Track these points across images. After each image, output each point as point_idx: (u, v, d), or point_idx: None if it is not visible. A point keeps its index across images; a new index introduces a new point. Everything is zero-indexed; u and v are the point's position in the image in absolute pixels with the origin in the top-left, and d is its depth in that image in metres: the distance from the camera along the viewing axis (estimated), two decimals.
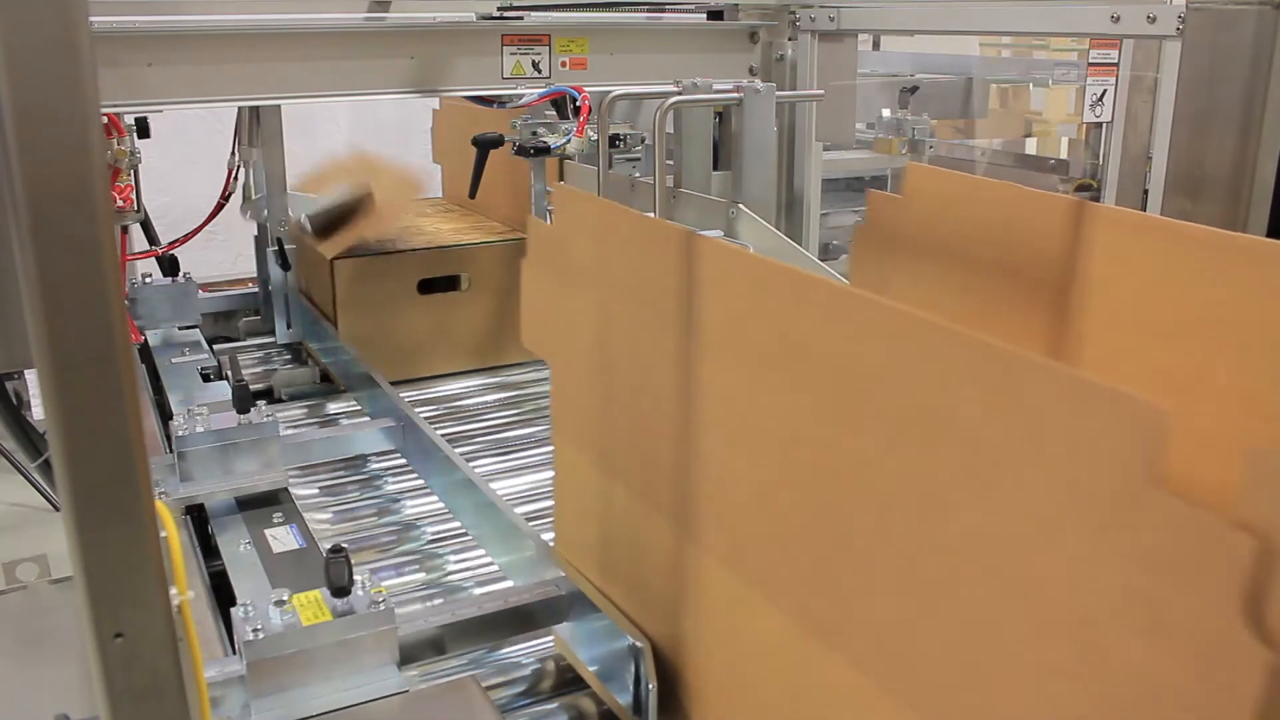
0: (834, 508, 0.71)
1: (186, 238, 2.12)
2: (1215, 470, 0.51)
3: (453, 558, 1.43)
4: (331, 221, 1.92)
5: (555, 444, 1.14)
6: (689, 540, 0.90)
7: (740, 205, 1.63)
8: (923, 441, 0.63)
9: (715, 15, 1.96)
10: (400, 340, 1.99)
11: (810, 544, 0.74)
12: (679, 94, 1.62)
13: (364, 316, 1.96)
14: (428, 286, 2.01)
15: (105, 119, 1.61)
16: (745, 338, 0.78)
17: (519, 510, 1.36)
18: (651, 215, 1.60)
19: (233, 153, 2.11)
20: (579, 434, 1.08)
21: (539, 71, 1.77)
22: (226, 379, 1.90)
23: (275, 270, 2.13)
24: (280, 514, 1.37)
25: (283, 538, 1.32)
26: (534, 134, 1.69)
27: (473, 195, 1.93)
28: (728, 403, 0.82)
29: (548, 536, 1.20)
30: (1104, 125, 2.50)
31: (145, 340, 2.04)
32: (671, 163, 1.74)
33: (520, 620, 1.12)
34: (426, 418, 1.65)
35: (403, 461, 1.65)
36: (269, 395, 1.97)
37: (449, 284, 2.04)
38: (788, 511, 0.76)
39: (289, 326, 2.16)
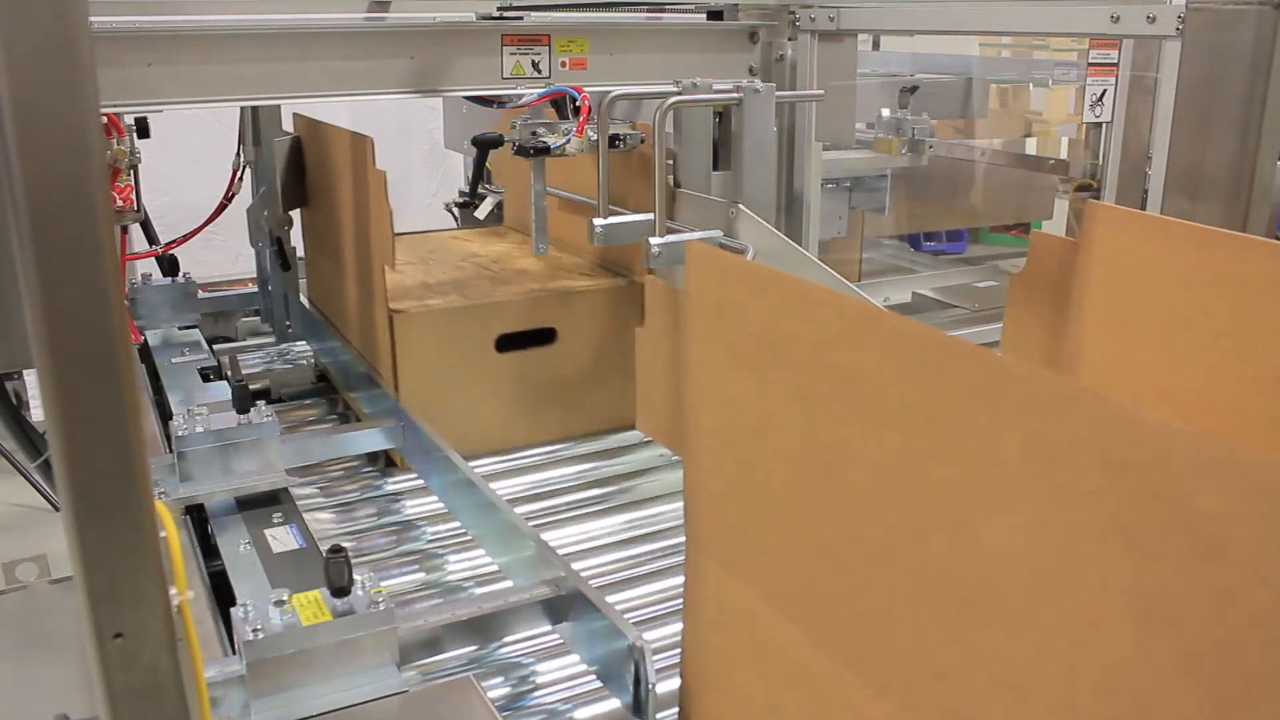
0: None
1: (186, 238, 2.12)
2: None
3: (453, 558, 1.43)
4: None
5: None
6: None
7: (740, 205, 1.63)
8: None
9: (715, 15, 1.95)
10: (474, 408, 1.70)
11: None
12: (679, 94, 1.61)
13: (431, 380, 1.66)
14: (510, 343, 1.73)
15: (105, 119, 1.61)
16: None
17: None
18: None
19: (237, 153, 2.11)
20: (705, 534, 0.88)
21: (539, 71, 1.77)
22: (226, 379, 1.90)
23: (275, 270, 2.13)
24: (280, 514, 1.37)
25: (282, 538, 1.32)
26: (534, 134, 1.68)
27: (472, 196, 1.93)
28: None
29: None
30: (1104, 125, 2.50)
31: (145, 340, 2.04)
32: (671, 163, 1.74)
33: (520, 620, 1.12)
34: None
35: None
36: (268, 395, 1.97)
37: (537, 339, 1.74)
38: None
39: (289, 327, 2.17)
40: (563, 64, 1.79)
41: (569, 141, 1.65)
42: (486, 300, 1.71)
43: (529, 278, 1.84)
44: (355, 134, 1.67)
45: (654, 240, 1.57)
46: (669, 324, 0.87)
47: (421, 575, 1.40)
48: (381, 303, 1.62)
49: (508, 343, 1.71)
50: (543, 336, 1.74)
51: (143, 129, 1.85)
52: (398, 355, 1.62)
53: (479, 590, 1.36)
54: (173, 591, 0.67)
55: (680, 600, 0.94)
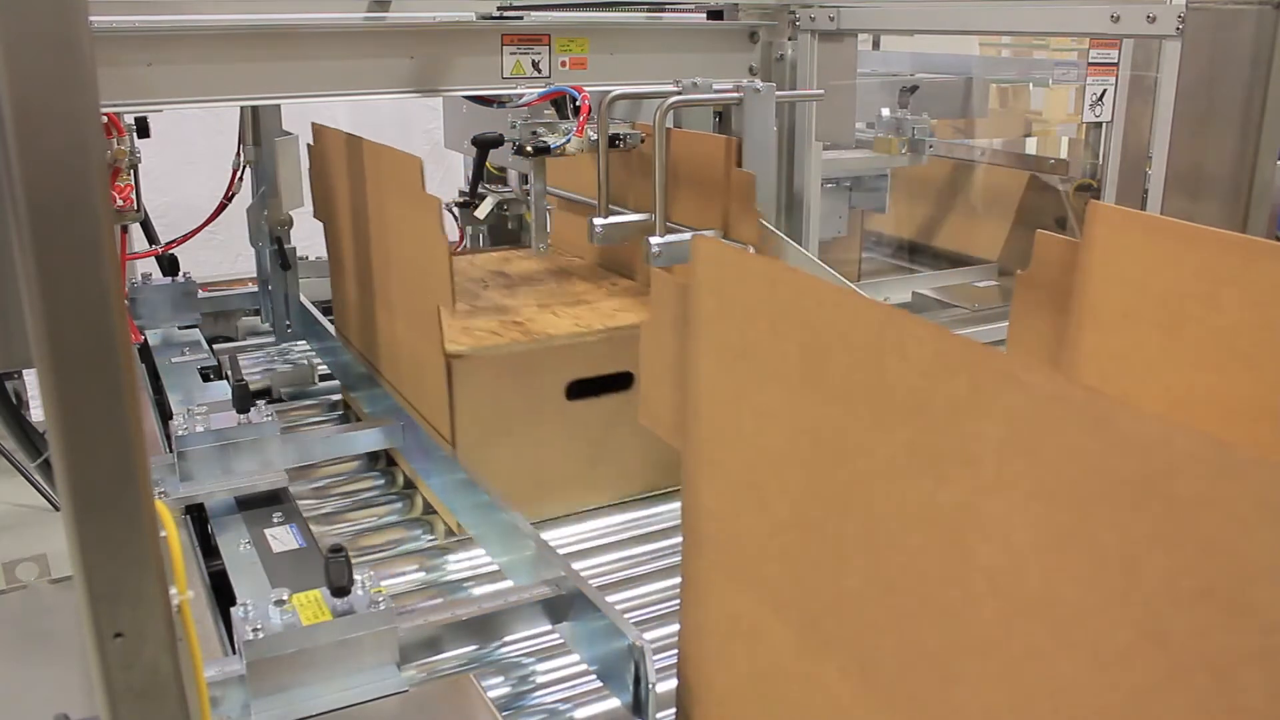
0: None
1: (186, 238, 2.12)
2: None
3: (452, 558, 1.43)
4: None
5: None
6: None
7: None
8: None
9: (715, 15, 1.95)
10: (541, 463, 1.51)
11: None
12: (679, 94, 1.61)
13: (494, 433, 1.47)
14: (581, 389, 1.52)
15: (105, 119, 1.61)
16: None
17: None
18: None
19: (237, 153, 2.11)
20: None
21: (539, 71, 1.77)
22: (226, 379, 1.90)
23: (275, 270, 2.13)
24: (280, 514, 1.37)
25: (282, 537, 1.32)
26: (534, 134, 1.68)
27: (472, 195, 1.93)
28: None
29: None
30: (1104, 125, 2.49)
31: (145, 340, 2.04)
32: None
33: (520, 620, 1.12)
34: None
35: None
36: (268, 395, 1.97)
37: (614, 384, 1.53)
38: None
39: (289, 326, 2.17)
40: (563, 64, 1.79)
41: (569, 141, 1.65)
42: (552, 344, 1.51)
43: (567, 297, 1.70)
44: (401, 153, 1.49)
45: (654, 240, 1.58)
46: (676, 317, 0.86)
47: (421, 575, 1.40)
48: (436, 347, 1.44)
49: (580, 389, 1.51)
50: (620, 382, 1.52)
51: (143, 129, 1.85)
52: (455, 404, 1.43)
53: (479, 590, 1.36)
54: (173, 591, 0.67)
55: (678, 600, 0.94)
